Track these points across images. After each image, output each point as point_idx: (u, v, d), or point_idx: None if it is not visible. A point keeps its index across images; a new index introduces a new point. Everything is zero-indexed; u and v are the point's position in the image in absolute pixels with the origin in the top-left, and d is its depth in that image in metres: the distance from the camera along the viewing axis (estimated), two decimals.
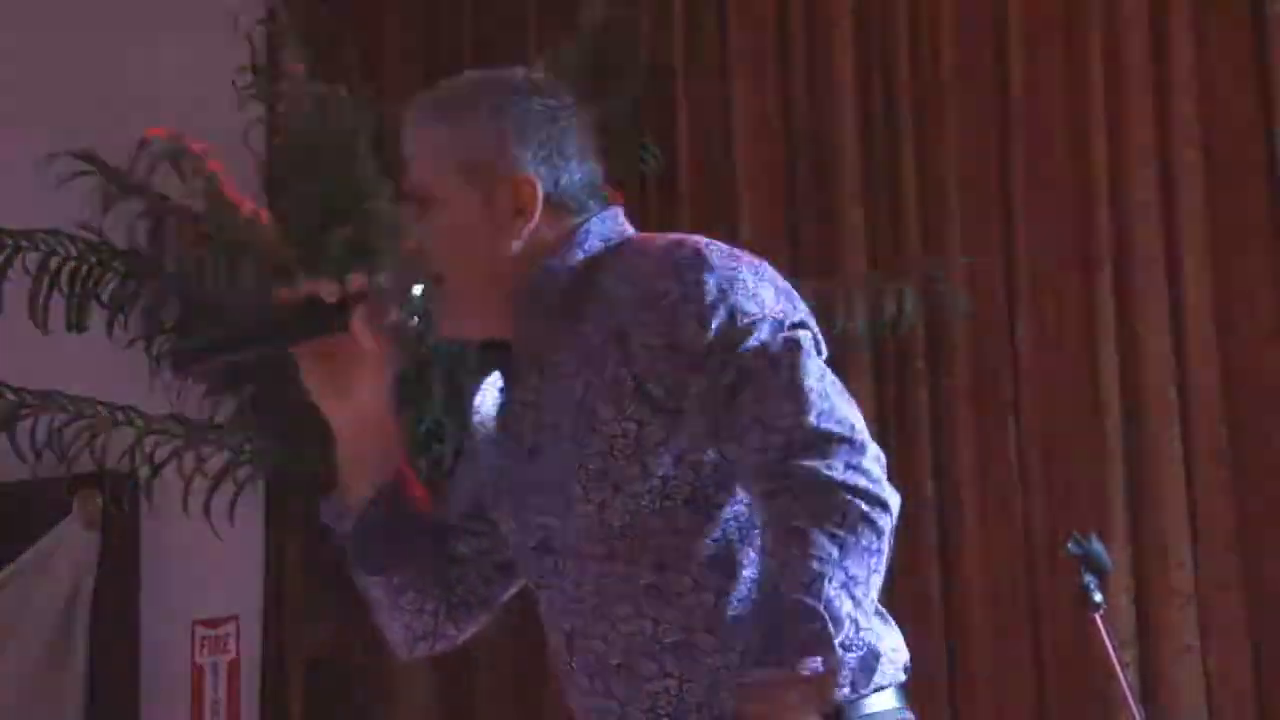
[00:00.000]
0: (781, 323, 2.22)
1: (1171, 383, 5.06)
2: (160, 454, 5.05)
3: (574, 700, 2.35)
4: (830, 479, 2.12)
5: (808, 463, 2.14)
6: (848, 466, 2.14)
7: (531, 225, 2.31)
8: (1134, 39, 5.18)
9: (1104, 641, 3.92)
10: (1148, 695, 4.83)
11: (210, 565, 5.48)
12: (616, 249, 2.32)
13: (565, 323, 2.30)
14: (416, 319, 2.37)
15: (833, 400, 2.21)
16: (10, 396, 5.02)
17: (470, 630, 2.56)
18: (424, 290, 2.35)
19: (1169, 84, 5.15)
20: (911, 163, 5.31)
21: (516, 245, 2.32)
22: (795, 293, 2.29)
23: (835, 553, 2.09)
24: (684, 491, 2.24)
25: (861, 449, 2.16)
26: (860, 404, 5.44)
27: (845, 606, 2.08)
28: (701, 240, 2.27)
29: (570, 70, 5.04)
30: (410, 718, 5.04)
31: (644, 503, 2.24)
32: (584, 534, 2.27)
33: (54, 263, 5.06)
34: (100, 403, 5.08)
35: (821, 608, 2.06)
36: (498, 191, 2.32)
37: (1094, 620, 3.90)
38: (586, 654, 2.30)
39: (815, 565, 2.08)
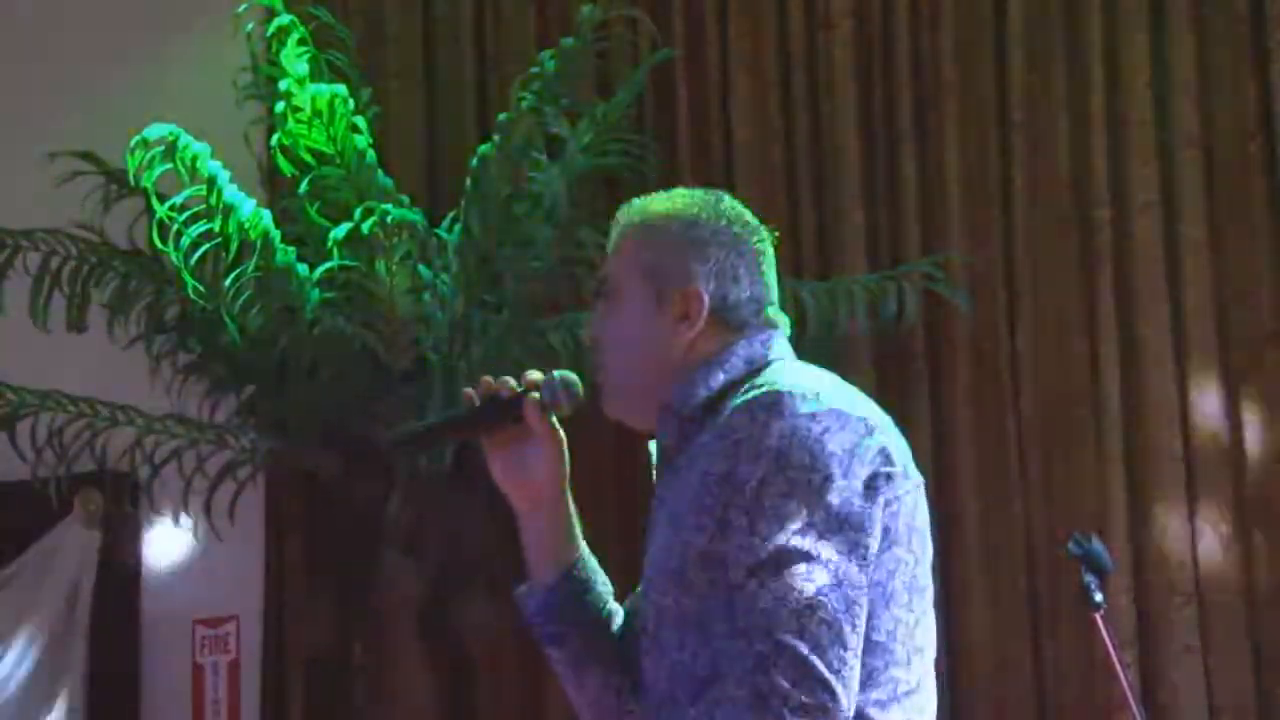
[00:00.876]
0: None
1: (1172, 382, 5.06)
2: (160, 454, 5.06)
3: None
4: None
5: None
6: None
7: (693, 334, 2.55)
8: (1135, 39, 5.17)
9: (1105, 641, 3.91)
10: (1148, 695, 4.86)
11: (210, 565, 5.51)
12: (753, 373, 2.52)
13: (694, 431, 2.52)
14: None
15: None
16: (10, 396, 5.04)
17: None
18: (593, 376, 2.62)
19: (1169, 84, 5.15)
20: (912, 162, 5.30)
21: (680, 351, 2.56)
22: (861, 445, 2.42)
23: None
24: (725, 598, 2.39)
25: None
26: None
27: None
28: (786, 393, 2.42)
29: (571, 65, 5.03)
30: (410, 718, 5.04)
31: (711, 606, 2.40)
32: (665, 626, 2.46)
33: (54, 262, 5.07)
34: (100, 402, 5.08)
35: None
36: (671, 298, 2.56)
37: (1094, 620, 3.90)
38: None
39: None
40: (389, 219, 4.74)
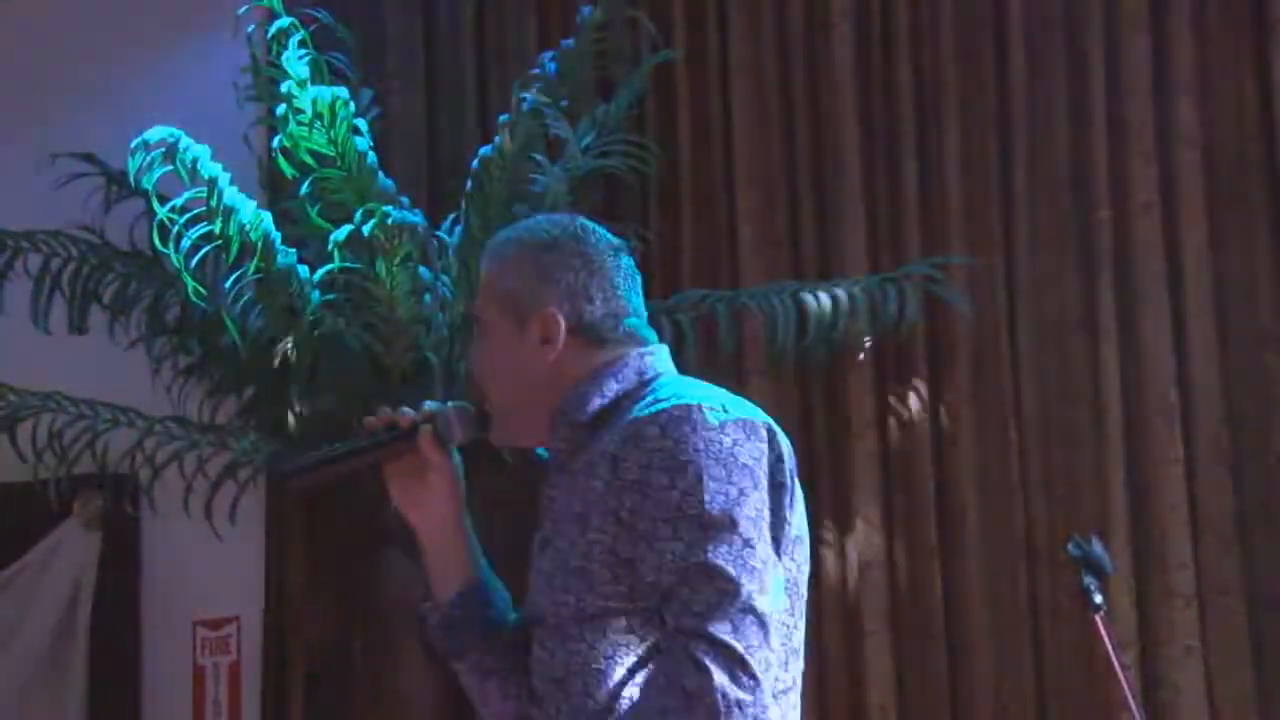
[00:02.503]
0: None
1: (1172, 383, 5.05)
2: (161, 455, 5.05)
3: None
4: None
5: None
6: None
7: (557, 355, 2.66)
8: (1135, 39, 5.16)
9: (1105, 643, 3.92)
10: (1149, 696, 4.86)
11: (211, 566, 5.47)
12: (645, 385, 2.65)
13: (587, 438, 2.63)
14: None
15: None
16: (11, 398, 5.02)
17: None
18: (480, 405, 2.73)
19: (1169, 84, 5.14)
20: (913, 163, 5.27)
21: (545, 369, 2.67)
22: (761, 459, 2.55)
23: None
24: (625, 594, 2.55)
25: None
26: (861, 403, 5.45)
27: None
28: (695, 406, 2.53)
29: (572, 66, 5.03)
30: (411, 718, 5.04)
31: (612, 604, 2.54)
32: (559, 612, 2.58)
33: (55, 264, 5.08)
34: (101, 404, 5.07)
35: None
36: (529, 323, 2.67)
37: (1094, 621, 3.91)
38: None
39: None
40: (389, 221, 4.71)
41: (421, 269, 4.85)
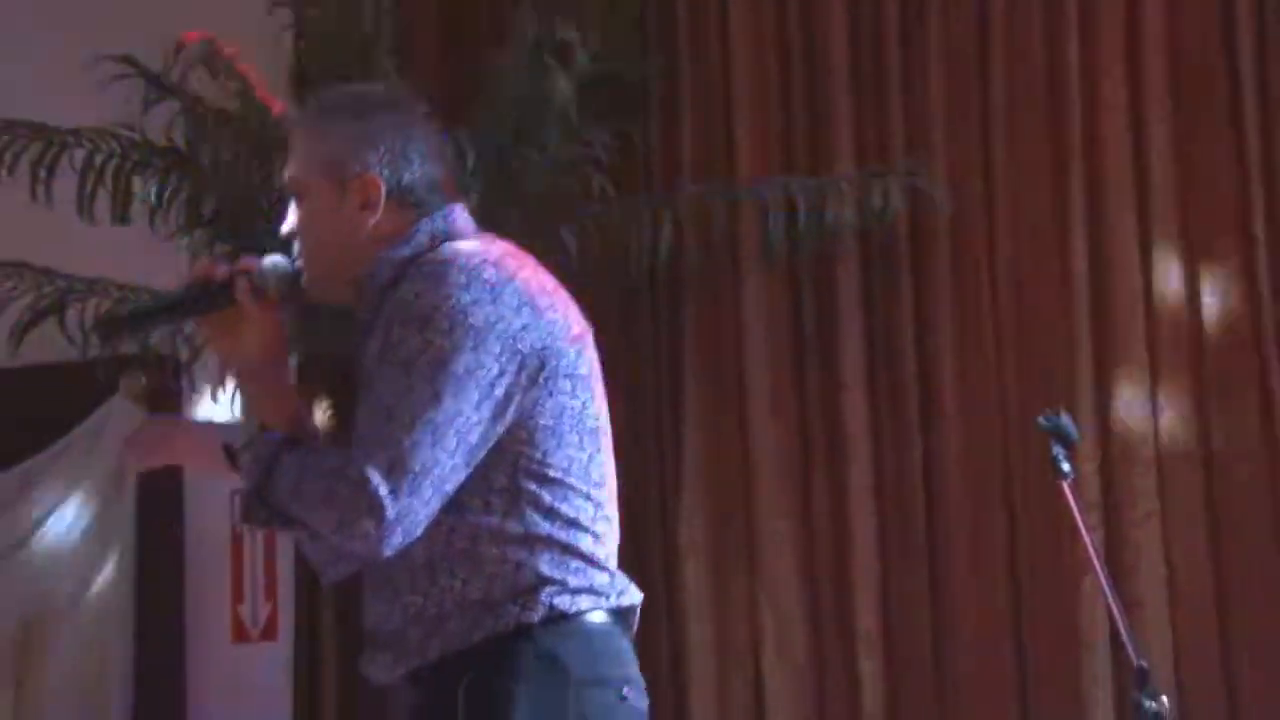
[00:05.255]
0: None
1: (1136, 270, 5.05)
2: (199, 336, 5.04)
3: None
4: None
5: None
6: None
7: (376, 217, 2.64)
8: None
9: (1072, 507, 3.92)
10: (1112, 556, 4.87)
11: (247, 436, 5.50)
12: (423, 253, 2.63)
13: (384, 302, 2.60)
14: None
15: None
16: (60, 283, 5.03)
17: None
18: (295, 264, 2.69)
19: None
20: (897, 70, 5.30)
21: (365, 233, 2.64)
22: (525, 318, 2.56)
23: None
24: None
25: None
26: (847, 291, 5.45)
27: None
28: (452, 258, 2.56)
29: None
30: None
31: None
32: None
33: (99, 159, 5.05)
34: (143, 289, 5.03)
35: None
36: (349, 187, 2.64)
37: (1062, 488, 3.86)
38: (367, 572, 2.68)
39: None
40: None
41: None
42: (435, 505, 2.49)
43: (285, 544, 5.57)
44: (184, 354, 5.16)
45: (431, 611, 2.53)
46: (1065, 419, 3.95)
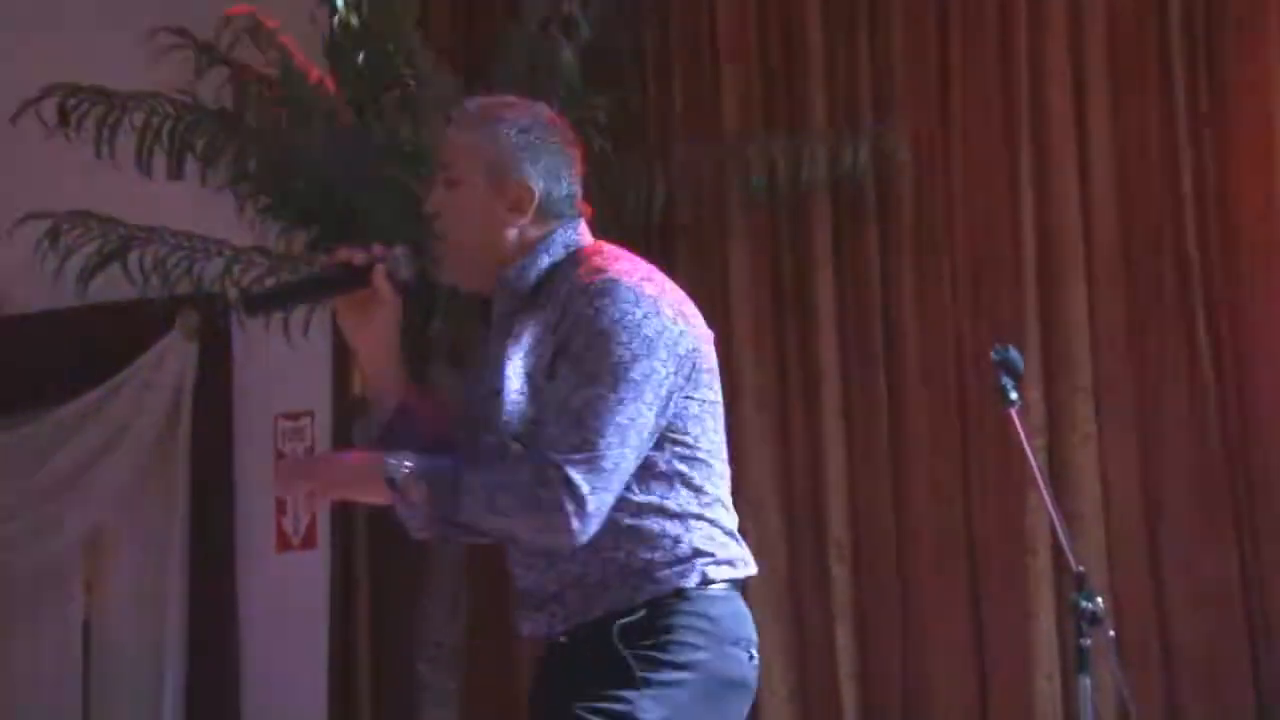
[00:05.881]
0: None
1: (1078, 219, 5.09)
2: (247, 278, 5.08)
3: (513, 572, 2.72)
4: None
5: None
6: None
7: (524, 220, 2.69)
8: None
9: (1019, 432, 3.91)
10: (1054, 474, 4.92)
11: (289, 370, 5.51)
12: (571, 257, 2.70)
13: (525, 302, 2.67)
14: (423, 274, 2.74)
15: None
16: (122, 230, 5.05)
17: None
18: (432, 250, 2.73)
19: None
20: (866, 36, 5.32)
21: (511, 233, 2.69)
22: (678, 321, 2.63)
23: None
24: None
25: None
26: (820, 239, 5.45)
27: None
28: (618, 277, 2.61)
29: None
30: None
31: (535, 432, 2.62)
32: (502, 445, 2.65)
33: (155, 121, 5.04)
34: (197, 236, 5.12)
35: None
36: (506, 191, 2.68)
37: (1010, 414, 3.88)
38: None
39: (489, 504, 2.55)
40: (430, 87, 4.76)
41: None
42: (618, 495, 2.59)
43: None
44: (233, 294, 5.22)
45: (594, 578, 2.60)
46: (1013, 352, 3.98)
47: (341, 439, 5.58)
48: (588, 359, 2.55)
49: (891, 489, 5.17)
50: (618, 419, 2.54)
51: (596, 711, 2.54)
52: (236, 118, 5.03)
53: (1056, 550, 4.79)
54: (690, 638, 2.58)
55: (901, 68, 5.28)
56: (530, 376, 2.62)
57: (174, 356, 5.70)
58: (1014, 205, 5.13)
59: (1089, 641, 3.69)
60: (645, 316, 2.58)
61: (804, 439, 5.22)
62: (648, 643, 2.57)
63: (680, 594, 2.59)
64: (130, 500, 5.78)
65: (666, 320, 2.61)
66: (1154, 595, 4.92)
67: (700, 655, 2.59)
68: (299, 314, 5.11)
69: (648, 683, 2.54)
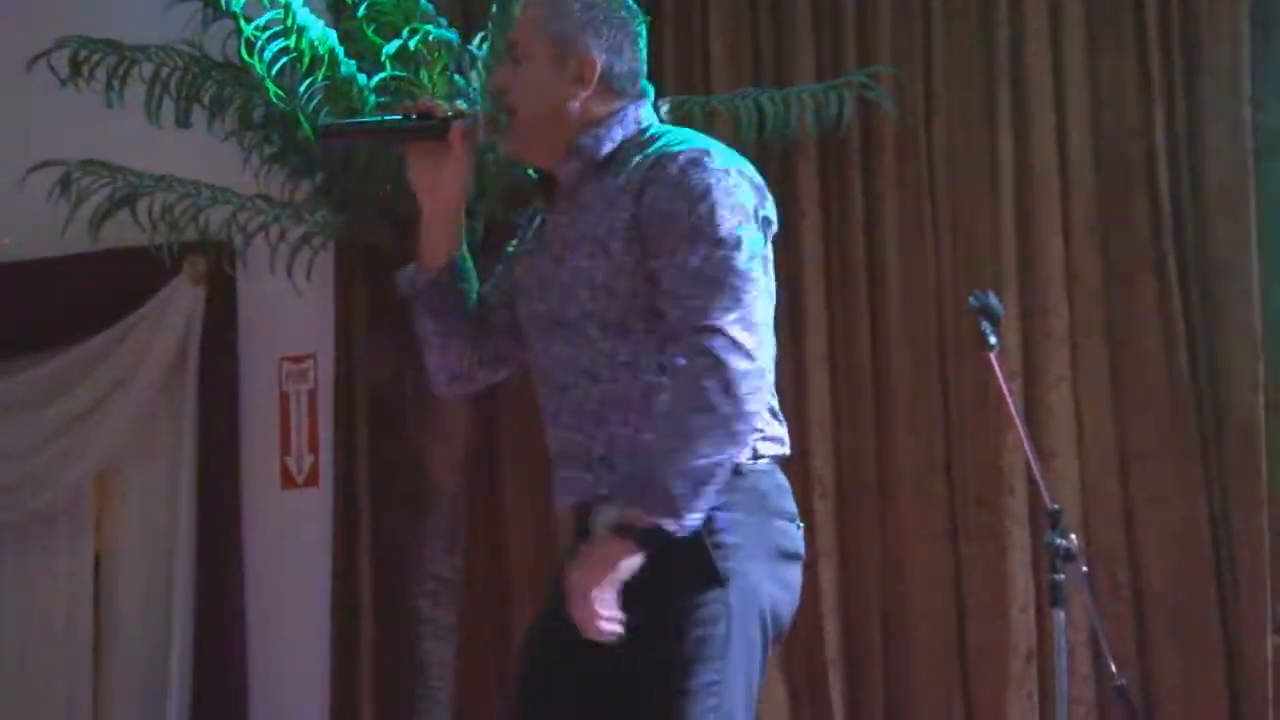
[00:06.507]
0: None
1: (1055, 168, 5.12)
2: (252, 226, 5.13)
3: (554, 435, 2.71)
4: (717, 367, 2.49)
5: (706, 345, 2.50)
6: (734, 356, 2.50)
7: (586, 94, 2.67)
8: None
9: (996, 374, 4.00)
10: (1030, 415, 4.97)
11: (293, 314, 5.56)
12: (644, 131, 2.67)
13: (595, 173, 2.65)
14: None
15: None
16: (132, 178, 5.08)
17: (490, 380, 2.91)
18: (501, 119, 2.70)
19: None
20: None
21: (573, 105, 2.67)
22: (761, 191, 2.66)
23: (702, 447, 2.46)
24: (642, 305, 2.61)
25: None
26: (806, 188, 5.48)
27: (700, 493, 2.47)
28: (707, 147, 2.60)
29: None
30: (449, 438, 5.09)
31: (630, 315, 2.59)
32: (585, 319, 2.63)
33: (164, 72, 5.09)
34: (204, 184, 5.14)
35: (684, 495, 2.45)
36: (569, 62, 2.67)
37: (989, 358, 3.97)
38: (574, 402, 2.66)
39: (692, 461, 2.44)
40: (430, 38, 4.76)
41: (456, 77, 4.89)
42: None
43: (325, 401, 5.66)
44: (238, 241, 5.27)
45: (647, 442, 2.52)
46: (992, 298, 4.01)
47: (344, 381, 5.64)
48: (701, 227, 2.53)
49: (874, 431, 5.19)
50: (754, 274, 2.54)
51: (697, 623, 2.48)
52: (242, 69, 4.98)
53: (1032, 489, 4.81)
54: (743, 510, 2.55)
55: (886, 19, 5.25)
56: (600, 241, 2.60)
57: (181, 301, 5.68)
58: (993, 152, 5.13)
59: (1063, 577, 3.78)
60: (736, 185, 2.59)
61: (790, 381, 5.16)
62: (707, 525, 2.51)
63: (735, 467, 2.53)
64: (139, 438, 5.77)
65: (754, 189, 2.64)
66: (1124, 532, 4.95)
67: (752, 526, 2.56)
68: (301, 259, 5.18)
69: (727, 576, 2.50)
